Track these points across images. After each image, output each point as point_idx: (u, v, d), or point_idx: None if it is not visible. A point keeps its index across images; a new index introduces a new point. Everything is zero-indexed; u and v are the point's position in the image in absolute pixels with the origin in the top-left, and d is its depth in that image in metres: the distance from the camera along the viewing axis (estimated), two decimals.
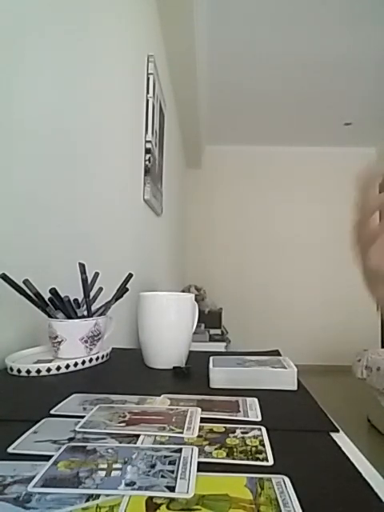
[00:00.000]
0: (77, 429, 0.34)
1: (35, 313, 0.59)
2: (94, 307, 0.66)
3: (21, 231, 0.65)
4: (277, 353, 0.66)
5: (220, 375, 0.49)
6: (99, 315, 0.65)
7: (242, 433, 0.34)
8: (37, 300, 0.58)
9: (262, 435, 0.34)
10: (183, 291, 3.52)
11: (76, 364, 0.56)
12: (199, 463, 0.28)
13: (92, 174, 1.01)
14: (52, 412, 0.39)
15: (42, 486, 0.25)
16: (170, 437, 0.33)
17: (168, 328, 0.60)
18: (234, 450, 0.31)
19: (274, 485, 0.26)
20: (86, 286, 0.64)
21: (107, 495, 0.24)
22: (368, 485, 0.27)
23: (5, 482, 0.26)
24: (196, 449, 0.31)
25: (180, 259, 3.84)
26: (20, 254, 0.65)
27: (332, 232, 4.46)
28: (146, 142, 1.71)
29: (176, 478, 0.26)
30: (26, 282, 0.57)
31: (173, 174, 2.98)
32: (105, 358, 0.63)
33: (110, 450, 0.30)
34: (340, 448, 0.32)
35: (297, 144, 4.41)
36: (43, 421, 0.37)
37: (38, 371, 0.53)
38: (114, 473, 0.27)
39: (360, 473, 0.28)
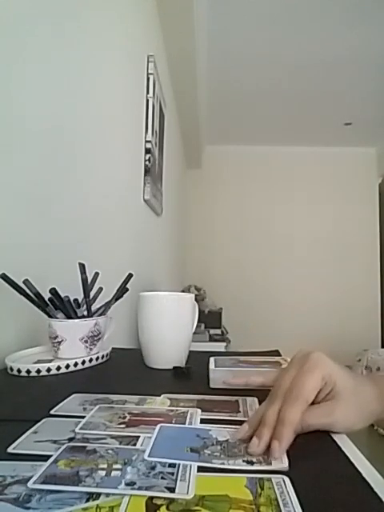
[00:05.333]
0: (77, 430, 0.34)
1: (35, 313, 0.59)
2: (94, 307, 0.66)
3: (21, 231, 0.65)
4: (277, 353, 0.66)
5: (220, 375, 0.49)
6: (99, 315, 0.65)
7: None
8: (37, 300, 0.58)
9: None
10: (183, 291, 3.52)
11: (76, 364, 0.56)
12: (199, 466, 0.28)
13: (92, 174, 1.01)
14: (52, 412, 0.39)
15: (42, 483, 0.25)
16: None
17: (168, 328, 0.60)
18: None
19: (274, 485, 0.26)
20: (86, 286, 0.64)
21: (107, 494, 0.24)
22: (368, 485, 0.27)
23: (5, 482, 0.26)
24: None
25: (180, 259, 3.84)
26: (20, 254, 0.65)
27: (332, 232, 4.45)
28: (146, 141, 1.70)
29: (176, 479, 0.26)
30: (26, 282, 0.57)
31: (173, 174, 2.98)
32: (105, 358, 0.62)
33: (110, 451, 0.30)
34: (340, 448, 0.32)
35: (297, 144, 4.41)
36: (43, 421, 0.37)
37: (38, 371, 0.53)
38: (113, 473, 0.27)
39: (360, 473, 0.28)
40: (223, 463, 0.29)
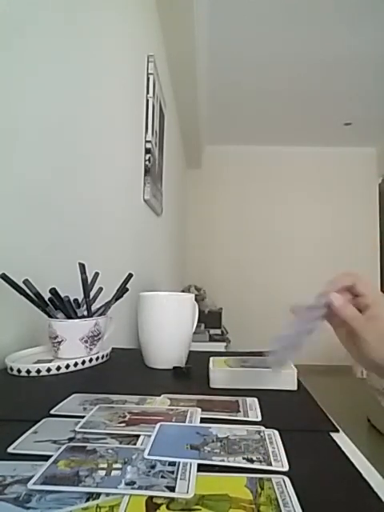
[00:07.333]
0: (77, 429, 0.34)
1: (35, 313, 0.59)
2: (94, 307, 0.66)
3: (21, 231, 0.65)
4: None
5: (220, 375, 0.49)
6: (99, 315, 0.65)
7: None
8: (37, 300, 0.58)
9: None
10: (183, 291, 3.52)
11: (76, 364, 0.56)
12: (199, 464, 0.28)
13: (92, 173, 1.01)
14: (52, 412, 0.39)
15: (42, 484, 0.25)
16: None
17: (168, 328, 0.60)
18: None
19: (274, 485, 0.26)
20: (86, 286, 0.64)
21: (107, 494, 0.24)
22: (368, 485, 0.27)
23: (5, 481, 0.26)
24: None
25: (180, 259, 3.84)
26: (20, 253, 0.65)
27: (332, 232, 4.45)
28: (146, 142, 1.70)
29: (176, 478, 0.26)
30: (26, 282, 0.57)
31: (173, 174, 2.98)
32: (105, 358, 0.62)
33: (110, 451, 0.30)
34: (340, 448, 0.32)
35: (297, 144, 4.41)
36: (43, 421, 0.37)
37: (38, 371, 0.53)
38: (113, 472, 0.27)
39: (360, 473, 0.28)
40: (223, 460, 0.29)
